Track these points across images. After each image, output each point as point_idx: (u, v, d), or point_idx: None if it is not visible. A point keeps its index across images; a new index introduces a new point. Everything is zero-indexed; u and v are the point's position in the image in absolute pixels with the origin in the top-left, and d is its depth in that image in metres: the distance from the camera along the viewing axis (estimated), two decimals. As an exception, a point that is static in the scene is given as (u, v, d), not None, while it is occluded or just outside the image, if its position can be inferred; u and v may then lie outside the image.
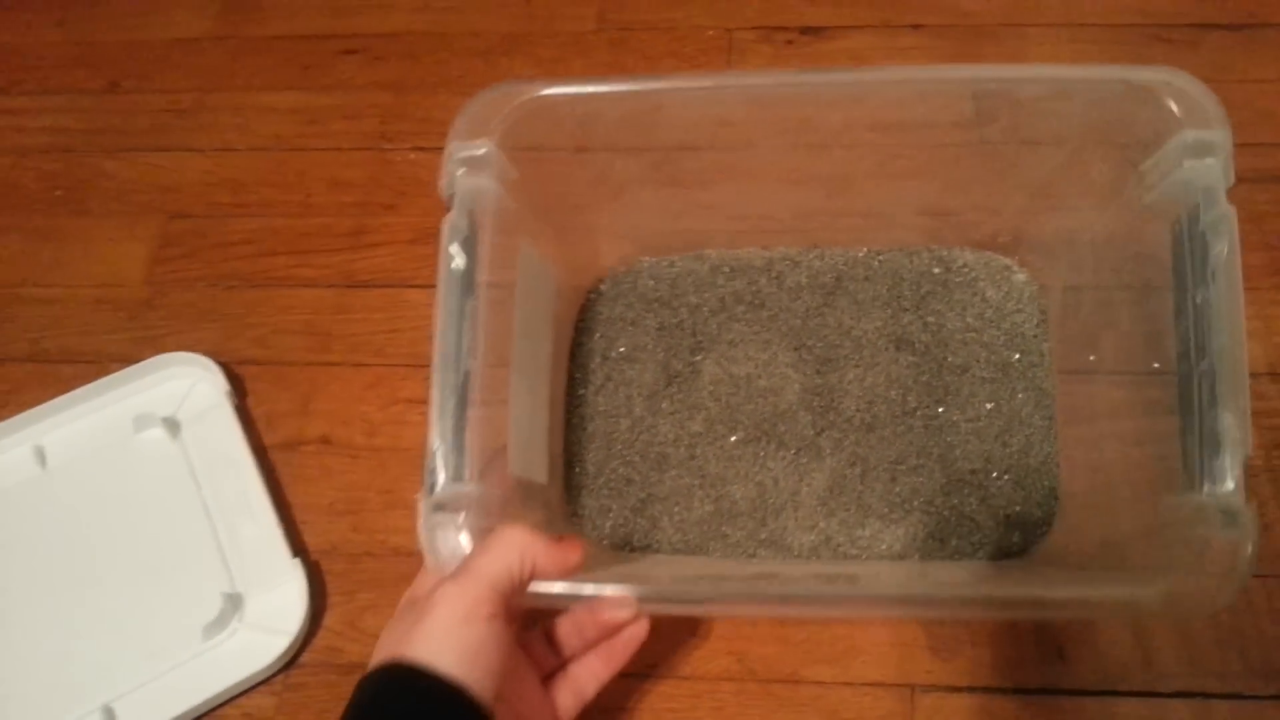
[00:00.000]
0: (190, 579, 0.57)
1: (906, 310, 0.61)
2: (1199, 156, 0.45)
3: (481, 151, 0.47)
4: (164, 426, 0.62)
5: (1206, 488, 0.41)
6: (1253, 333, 0.60)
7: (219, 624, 0.55)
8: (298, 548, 0.58)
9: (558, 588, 0.43)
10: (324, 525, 0.59)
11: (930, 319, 0.60)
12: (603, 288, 0.63)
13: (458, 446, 0.44)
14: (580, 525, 0.58)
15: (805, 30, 0.78)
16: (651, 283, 0.63)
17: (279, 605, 0.56)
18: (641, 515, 0.57)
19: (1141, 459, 0.50)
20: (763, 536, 0.56)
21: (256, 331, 0.67)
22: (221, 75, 0.81)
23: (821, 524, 0.56)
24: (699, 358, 0.60)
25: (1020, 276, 0.61)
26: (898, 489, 0.56)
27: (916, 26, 0.77)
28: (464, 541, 0.43)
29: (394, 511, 0.59)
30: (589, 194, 0.60)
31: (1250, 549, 0.39)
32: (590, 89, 0.50)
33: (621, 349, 0.61)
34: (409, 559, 0.57)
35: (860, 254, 0.62)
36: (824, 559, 0.55)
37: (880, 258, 0.62)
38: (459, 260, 0.46)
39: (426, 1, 0.84)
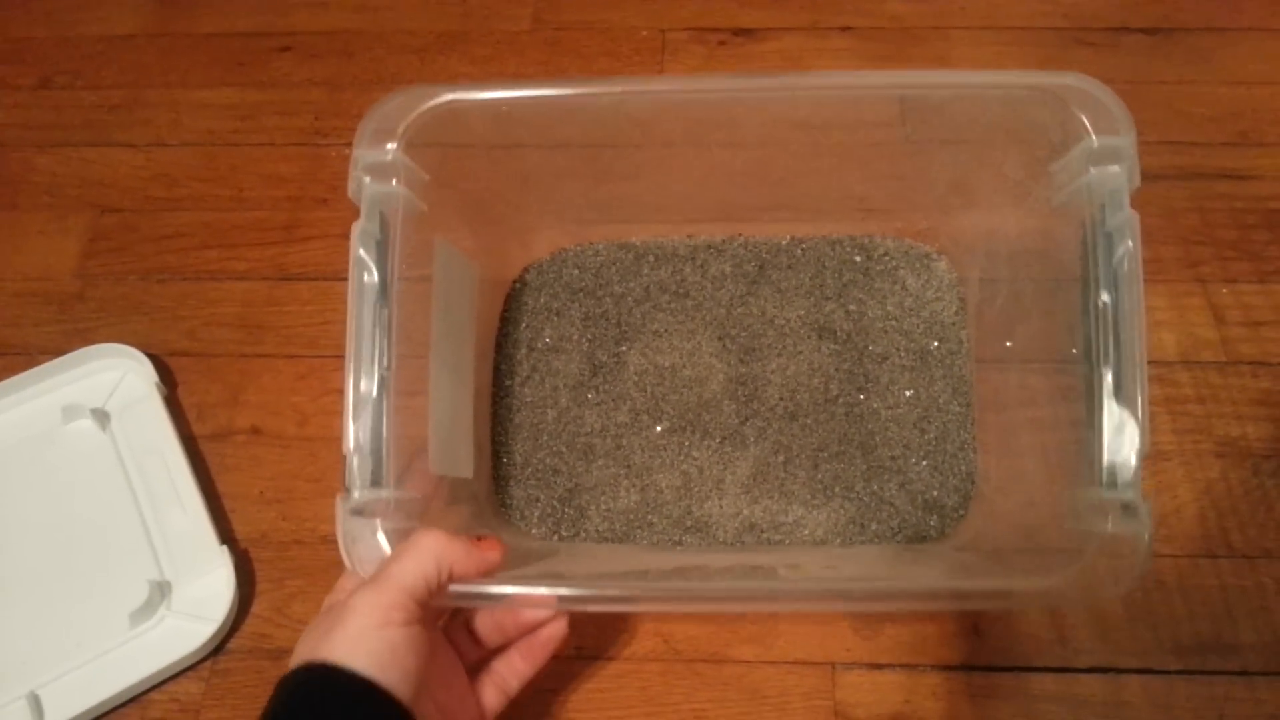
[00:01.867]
0: (118, 567, 0.57)
1: (829, 299, 0.62)
2: (1104, 163, 0.47)
3: (388, 157, 0.48)
4: (93, 417, 0.62)
5: (1107, 483, 0.42)
6: (1166, 323, 0.63)
7: (146, 611, 0.55)
8: (226, 536, 0.58)
9: (478, 588, 0.44)
10: (253, 514, 0.59)
11: (852, 307, 0.62)
12: (527, 277, 0.64)
13: (375, 451, 0.45)
14: (508, 516, 0.58)
15: (738, 31, 0.80)
16: (576, 272, 0.64)
17: (207, 593, 0.56)
18: (569, 505, 0.58)
19: (1054, 445, 0.52)
20: (688, 524, 0.57)
21: (187, 324, 0.67)
22: (155, 71, 0.81)
23: (745, 511, 0.57)
24: (624, 348, 0.61)
25: (940, 264, 0.63)
26: (820, 475, 0.58)
27: (846, 29, 0.79)
28: (382, 545, 0.44)
29: (323, 500, 0.59)
30: (511, 189, 0.61)
31: (1147, 540, 0.41)
32: (500, 94, 0.50)
33: (547, 339, 0.62)
34: (337, 547, 0.57)
35: (784, 242, 0.64)
36: (748, 545, 0.57)
37: (803, 245, 0.63)
38: (369, 266, 0.47)
39: (360, 1, 0.84)
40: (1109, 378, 0.44)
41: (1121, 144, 0.47)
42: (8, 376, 0.63)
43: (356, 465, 0.44)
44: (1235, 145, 0.70)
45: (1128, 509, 0.42)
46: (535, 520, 0.58)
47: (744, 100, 0.55)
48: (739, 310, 0.62)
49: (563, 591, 0.44)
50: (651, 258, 0.63)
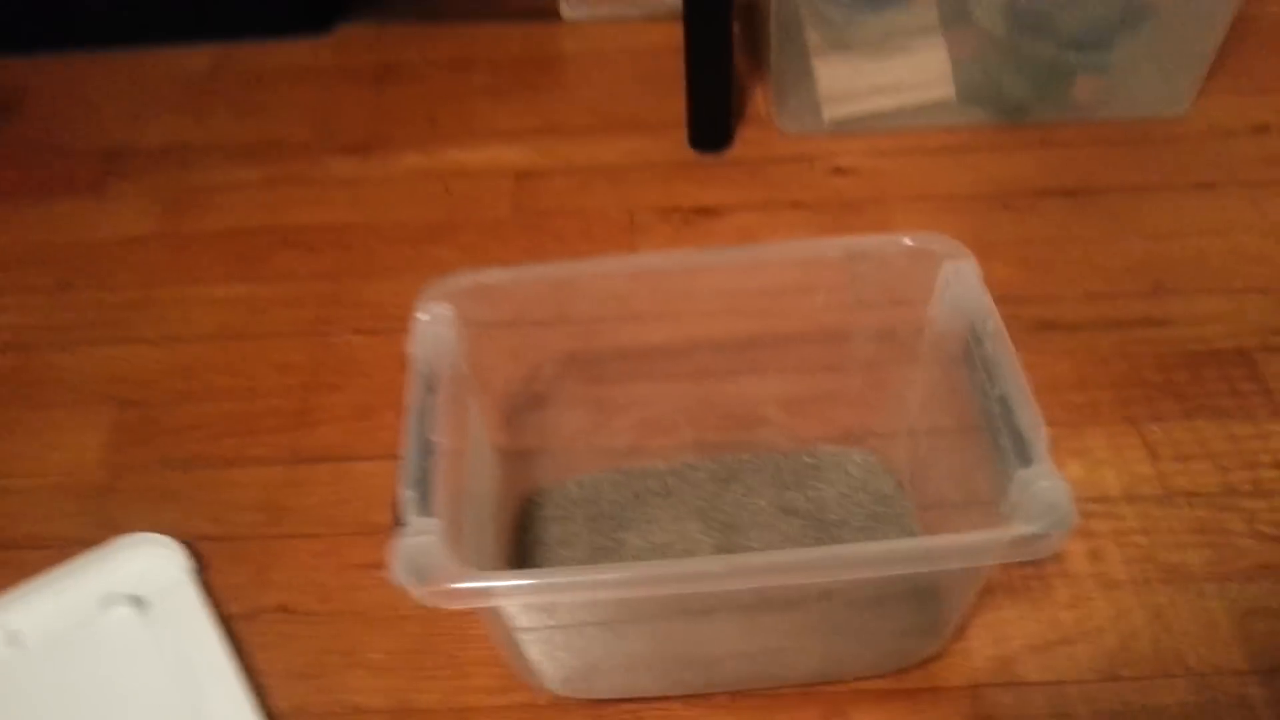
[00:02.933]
0: (162, 750, 0.60)
1: (789, 488, 0.70)
2: (958, 269, 0.59)
3: (442, 309, 0.58)
4: (130, 604, 0.66)
5: (1030, 461, 0.49)
6: (1106, 461, 0.70)
7: (191, 792, 0.58)
8: (266, 711, 0.62)
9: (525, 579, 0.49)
10: (288, 689, 0.63)
11: (810, 492, 0.69)
12: (538, 499, 0.71)
13: (422, 488, 0.51)
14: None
15: (699, 210, 0.89)
16: (577, 489, 0.71)
17: (248, 771, 0.59)
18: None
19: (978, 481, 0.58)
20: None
21: (211, 509, 0.72)
22: (167, 270, 0.87)
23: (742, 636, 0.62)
24: (622, 534, 0.68)
25: (872, 459, 0.71)
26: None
27: (796, 204, 0.88)
28: (443, 554, 0.48)
29: (352, 671, 0.63)
30: (524, 406, 0.69)
31: (1070, 499, 0.48)
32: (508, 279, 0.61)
33: (556, 536, 0.68)
34: (372, 716, 0.61)
35: (745, 458, 0.71)
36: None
37: (761, 460, 0.71)
38: (422, 365, 0.56)
39: (355, 196, 0.92)
40: (1003, 403, 0.53)
41: (965, 265, 0.58)
42: (44, 568, 0.67)
43: (411, 499, 0.50)
44: (1151, 294, 0.79)
45: (1050, 478, 0.49)
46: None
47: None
48: (717, 501, 0.69)
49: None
50: (639, 474, 0.71)
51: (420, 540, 0.49)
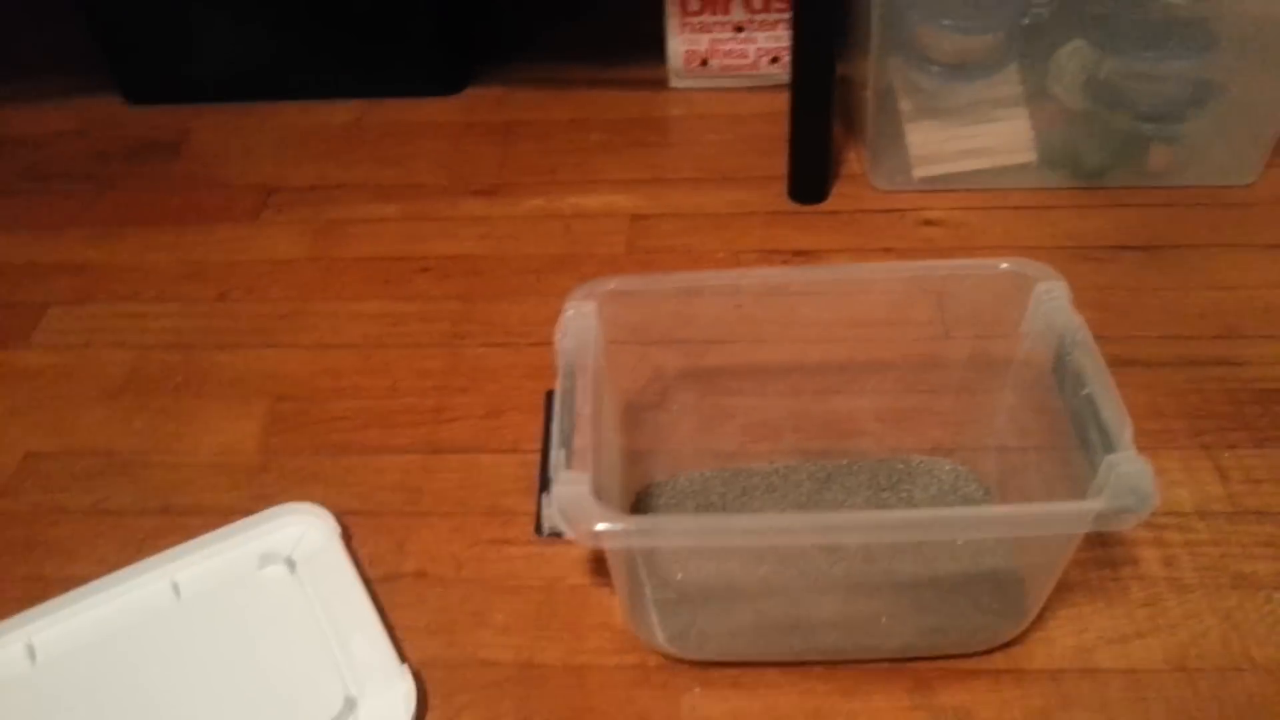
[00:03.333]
0: (313, 686, 0.67)
1: (884, 490, 0.76)
2: (1049, 288, 0.66)
3: (587, 306, 0.66)
4: (283, 564, 0.73)
5: (1115, 448, 0.56)
6: (1180, 482, 0.75)
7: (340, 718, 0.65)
8: (402, 659, 0.68)
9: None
10: (423, 642, 0.70)
11: (903, 494, 0.75)
12: (652, 491, 0.77)
13: (570, 447, 0.58)
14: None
15: (798, 252, 0.97)
16: (687, 483, 0.77)
17: (388, 707, 0.66)
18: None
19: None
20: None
21: (356, 489, 0.80)
22: (316, 288, 0.97)
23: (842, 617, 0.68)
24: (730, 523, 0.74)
25: (962, 469, 0.77)
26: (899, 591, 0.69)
27: (888, 250, 0.96)
28: (592, 500, 0.55)
29: (481, 630, 0.70)
30: (643, 408, 0.78)
31: (1151, 478, 0.53)
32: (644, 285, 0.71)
33: None
34: (497, 668, 0.68)
35: (843, 463, 0.78)
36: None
37: (857, 465, 0.77)
38: (568, 353, 0.64)
39: (486, 231, 1.02)
40: (1090, 389, 0.60)
41: (1056, 285, 0.66)
42: (203, 532, 0.76)
43: (563, 459, 0.57)
44: (1223, 338, 0.85)
45: (1134, 461, 0.55)
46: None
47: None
48: (816, 498, 0.75)
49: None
50: (745, 473, 0.77)
51: (571, 489, 0.56)
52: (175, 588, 0.73)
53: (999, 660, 0.66)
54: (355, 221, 1.04)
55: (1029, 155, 1.02)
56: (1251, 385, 0.81)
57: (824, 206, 1.02)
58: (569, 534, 0.55)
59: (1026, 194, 1.01)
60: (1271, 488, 0.74)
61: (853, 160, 1.07)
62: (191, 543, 0.75)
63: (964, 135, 1.02)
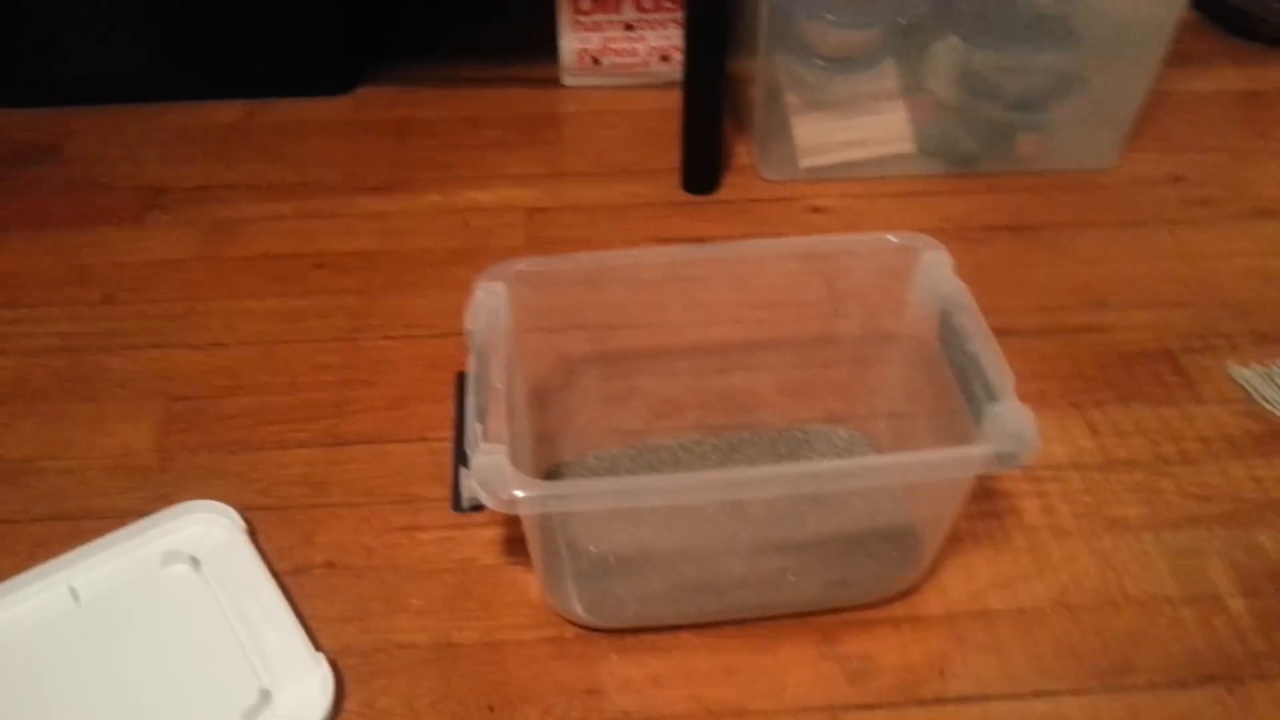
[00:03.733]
0: (224, 682, 0.66)
1: (784, 457, 0.79)
2: (934, 258, 0.70)
3: (497, 287, 0.67)
4: (187, 562, 0.72)
5: (1000, 400, 0.59)
6: (1055, 438, 0.80)
7: (253, 713, 0.64)
8: (317, 648, 0.68)
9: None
10: (336, 631, 0.70)
11: (802, 461, 0.78)
12: (562, 471, 0.79)
13: (485, 420, 0.59)
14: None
15: (694, 240, 1.00)
16: (596, 462, 0.79)
17: (304, 695, 0.65)
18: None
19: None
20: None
21: (259, 484, 0.79)
22: (207, 287, 0.96)
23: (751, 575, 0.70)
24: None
25: (857, 434, 0.80)
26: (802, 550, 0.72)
27: (780, 236, 0.99)
28: (509, 469, 0.56)
29: (396, 615, 0.70)
30: (548, 392, 0.79)
31: (1033, 424, 0.57)
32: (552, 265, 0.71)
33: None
34: (414, 650, 0.68)
35: (745, 435, 0.80)
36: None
37: (759, 436, 0.80)
38: (479, 332, 0.64)
39: (381, 228, 1.02)
40: (973, 346, 0.63)
41: (940, 254, 0.69)
42: (101, 535, 0.74)
43: (479, 432, 0.58)
44: (1089, 307, 0.91)
45: (1014, 409, 0.59)
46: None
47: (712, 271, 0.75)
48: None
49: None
50: (651, 449, 0.80)
51: (489, 459, 0.57)
52: (73, 592, 0.71)
53: (898, 609, 0.69)
54: (246, 220, 1.03)
55: (907, 145, 1.07)
56: (1116, 349, 0.87)
57: (716, 197, 1.05)
58: (488, 503, 0.56)
59: (906, 181, 1.06)
60: (1138, 440, 0.80)
61: (742, 153, 1.11)
62: (89, 546, 0.73)
63: (847, 127, 1.07)
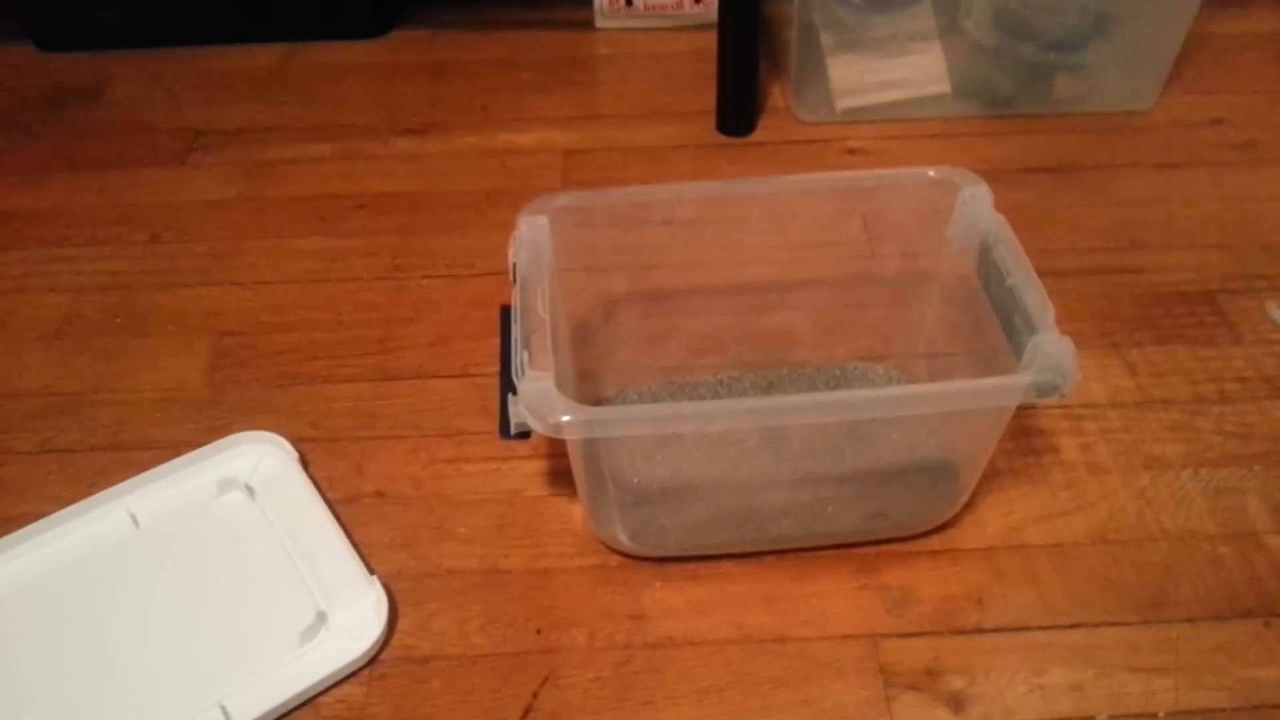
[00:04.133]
0: (282, 602, 0.68)
1: (821, 391, 0.80)
2: (973, 192, 0.70)
3: (540, 220, 0.68)
4: (243, 490, 0.74)
5: (1040, 332, 0.60)
6: (1094, 377, 0.80)
7: (310, 633, 0.66)
8: (370, 572, 0.70)
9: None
10: (387, 556, 0.72)
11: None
12: (601, 404, 0.80)
13: (531, 348, 0.60)
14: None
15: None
16: (636, 397, 0.80)
17: (359, 617, 0.67)
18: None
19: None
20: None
21: (309, 417, 0.81)
22: (251, 227, 0.97)
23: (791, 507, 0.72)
24: (682, 433, 0.76)
25: (894, 372, 0.81)
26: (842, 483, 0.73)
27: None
28: (556, 396, 0.57)
29: (445, 543, 0.72)
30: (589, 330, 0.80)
31: (1073, 354, 0.58)
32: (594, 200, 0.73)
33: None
34: (463, 575, 0.70)
35: (783, 372, 0.81)
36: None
37: (797, 373, 0.81)
38: (524, 265, 0.66)
39: (419, 169, 1.03)
40: (1014, 279, 0.64)
41: (980, 189, 0.70)
42: (156, 465, 0.76)
43: (526, 360, 0.59)
44: (1127, 248, 0.91)
45: (1055, 339, 0.59)
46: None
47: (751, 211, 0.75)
48: None
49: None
50: (690, 385, 0.81)
51: (537, 385, 0.59)
52: (133, 518, 0.74)
53: (936, 542, 0.71)
54: (286, 162, 1.04)
55: (943, 86, 1.07)
56: (1154, 290, 0.87)
57: (751, 139, 1.05)
58: (536, 427, 0.57)
59: (942, 123, 1.06)
60: (1175, 379, 0.80)
61: (777, 94, 1.11)
62: (146, 474, 0.75)
63: (882, 68, 1.06)
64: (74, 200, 1.01)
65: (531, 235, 0.69)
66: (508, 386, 0.60)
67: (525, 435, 0.59)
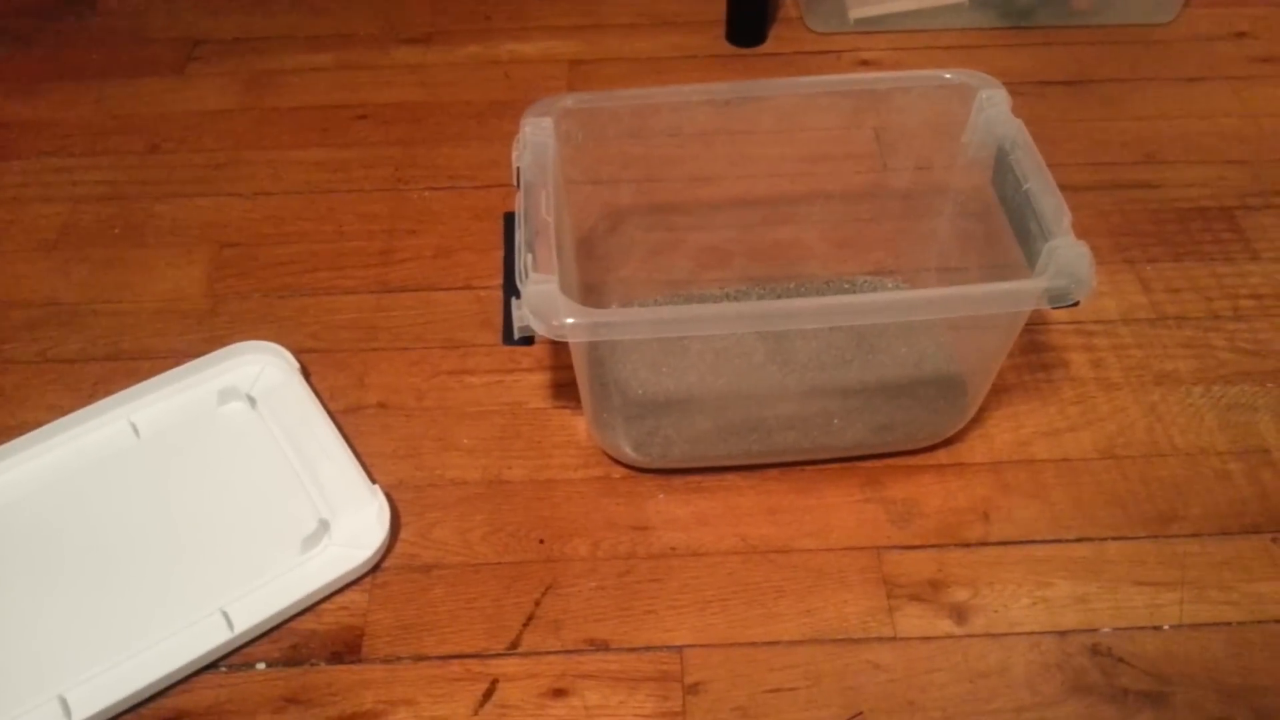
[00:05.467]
0: (285, 510, 0.68)
1: None
2: (990, 95, 0.68)
3: (544, 123, 0.66)
4: (245, 400, 0.74)
5: (1056, 238, 0.59)
6: (1107, 293, 0.79)
7: (313, 541, 0.66)
8: (372, 481, 0.70)
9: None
10: (390, 466, 0.71)
11: None
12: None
13: (535, 250, 0.59)
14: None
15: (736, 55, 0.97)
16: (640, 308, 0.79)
17: (362, 525, 0.67)
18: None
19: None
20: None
21: (310, 328, 0.80)
22: (250, 138, 0.95)
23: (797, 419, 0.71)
24: (685, 341, 0.74)
25: (904, 286, 0.80)
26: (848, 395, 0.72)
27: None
28: (561, 298, 0.56)
29: (448, 453, 0.72)
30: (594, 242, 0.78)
31: (1089, 259, 0.56)
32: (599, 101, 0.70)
33: (627, 340, 0.75)
34: (466, 485, 0.70)
35: (790, 286, 0.80)
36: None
37: (805, 287, 0.79)
38: (528, 168, 0.64)
39: (422, 79, 1.01)
40: (1030, 184, 0.62)
41: (997, 92, 0.67)
42: (157, 374, 0.75)
43: (530, 263, 0.58)
44: (1144, 163, 0.89)
45: (1073, 245, 0.58)
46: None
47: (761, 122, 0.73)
48: None
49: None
50: (698, 297, 0.79)
51: (541, 288, 0.58)
52: (134, 427, 0.73)
53: (943, 456, 0.70)
54: (286, 72, 1.02)
55: (960, -4, 1.04)
56: (1170, 205, 0.85)
57: (762, 49, 1.03)
58: (540, 330, 0.56)
59: (957, 34, 1.03)
60: (1190, 296, 0.79)
61: (789, 3, 1.07)
62: (146, 383, 0.75)
63: (897, -24, 1.03)
64: (70, 110, 0.99)
65: (536, 138, 0.67)
66: (511, 292, 0.59)
67: (529, 340, 0.58)
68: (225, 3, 1.10)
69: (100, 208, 0.89)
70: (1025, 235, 0.62)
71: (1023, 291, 0.57)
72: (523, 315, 0.57)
